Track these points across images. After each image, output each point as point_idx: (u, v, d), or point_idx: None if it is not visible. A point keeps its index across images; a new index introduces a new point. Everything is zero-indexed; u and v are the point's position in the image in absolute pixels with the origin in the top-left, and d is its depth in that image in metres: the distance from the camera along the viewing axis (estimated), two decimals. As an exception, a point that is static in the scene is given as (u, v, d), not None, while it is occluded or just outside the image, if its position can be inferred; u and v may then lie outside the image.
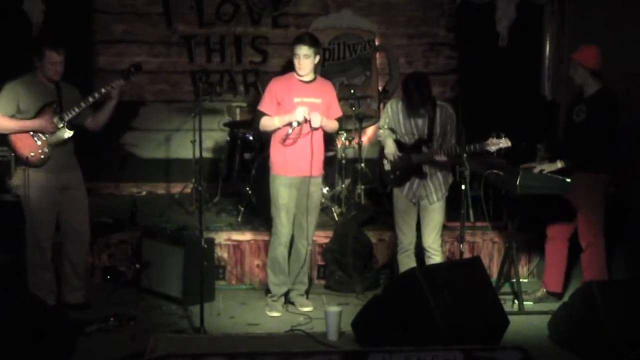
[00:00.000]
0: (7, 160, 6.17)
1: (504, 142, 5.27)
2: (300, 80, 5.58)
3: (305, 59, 5.48)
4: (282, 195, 5.61)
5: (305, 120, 5.48)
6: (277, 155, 5.64)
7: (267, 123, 5.60)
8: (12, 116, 5.38)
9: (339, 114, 5.79)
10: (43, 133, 5.43)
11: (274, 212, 5.69)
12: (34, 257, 5.53)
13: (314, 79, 5.62)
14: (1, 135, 5.48)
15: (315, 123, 5.49)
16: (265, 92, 5.66)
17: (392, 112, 5.66)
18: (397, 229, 5.79)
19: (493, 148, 5.29)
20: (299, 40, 5.52)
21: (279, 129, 5.56)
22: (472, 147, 5.29)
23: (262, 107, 5.63)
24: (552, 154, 5.75)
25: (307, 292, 5.99)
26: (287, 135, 5.51)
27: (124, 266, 6.29)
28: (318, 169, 5.72)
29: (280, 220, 5.65)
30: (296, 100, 5.53)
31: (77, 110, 5.46)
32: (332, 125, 5.72)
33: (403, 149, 5.64)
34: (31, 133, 5.42)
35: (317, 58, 5.58)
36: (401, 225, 5.75)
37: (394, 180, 5.71)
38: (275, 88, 5.60)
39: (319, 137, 5.65)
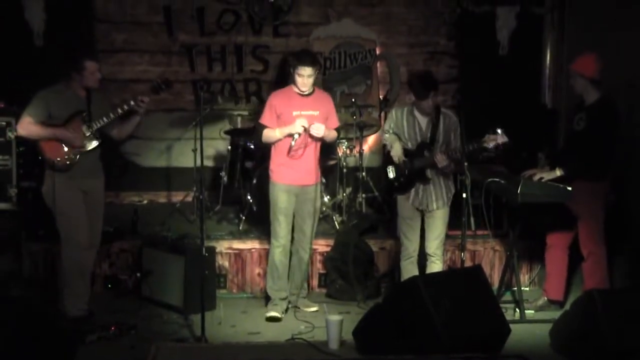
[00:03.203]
0: (9, 169, 6.21)
1: (501, 137, 5.30)
2: (299, 94, 5.69)
3: (309, 79, 5.61)
4: (282, 199, 5.73)
5: (305, 131, 5.58)
6: (276, 165, 5.76)
7: (269, 135, 5.73)
8: (43, 122, 5.41)
9: (337, 124, 5.91)
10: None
11: (272, 216, 5.80)
12: (71, 266, 5.51)
13: (312, 92, 5.73)
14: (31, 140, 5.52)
15: (318, 133, 5.59)
16: (266, 106, 5.79)
17: (396, 118, 5.73)
18: (402, 235, 5.82)
19: (491, 144, 5.32)
20: (304, 61, 5.58)
21: (280, 140, 5.68)
22: (470, 146, 5.32)
23: (263, 120, 5.76)
24: (552, 162, 5.75)
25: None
26: (290, 147, 5.62)
27: (124, 275, 6.29)
28: (317, 177, 5.82)
29: (279, 223, 5.74)
30: (295, 113, 5.65)
31: (105, 120, 5.53)
32: (332, 135, 5.85)
33: (406, 155, 5.68)
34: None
35: (318, 74, 5.72)
36: (407, 232, 5.77)
37: (398, 187, 5.74)
38: (275, 102, 5.72)
39: (317, 147, 5.75)
